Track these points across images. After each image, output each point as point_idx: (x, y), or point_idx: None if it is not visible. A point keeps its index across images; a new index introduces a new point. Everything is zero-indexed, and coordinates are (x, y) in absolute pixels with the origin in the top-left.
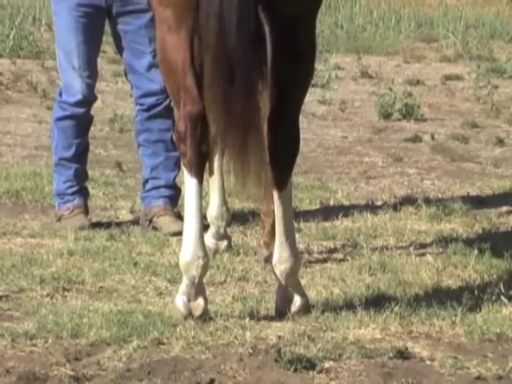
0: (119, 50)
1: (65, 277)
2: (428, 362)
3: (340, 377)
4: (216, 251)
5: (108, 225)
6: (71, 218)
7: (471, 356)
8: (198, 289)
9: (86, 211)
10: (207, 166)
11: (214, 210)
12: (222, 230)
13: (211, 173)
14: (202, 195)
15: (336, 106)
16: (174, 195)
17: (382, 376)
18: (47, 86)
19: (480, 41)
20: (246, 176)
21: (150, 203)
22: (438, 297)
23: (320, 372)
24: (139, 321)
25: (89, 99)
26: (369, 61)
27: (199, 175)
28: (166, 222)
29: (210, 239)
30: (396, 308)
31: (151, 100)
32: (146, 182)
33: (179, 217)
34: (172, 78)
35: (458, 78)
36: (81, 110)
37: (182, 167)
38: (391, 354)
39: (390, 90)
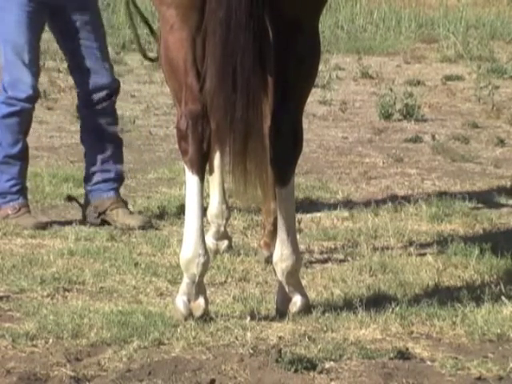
0: (63, 46)
1: (65, 277)
2: (429, 363)
3: (341, 377)
4: (216, 251)
5: (108, 225)
6: (19, 217)
7: (472, 356)
8: (198, 289)
9: (29, 209)
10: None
11: (214, 209)
12: (222, 229)
13: (211, 171)
14: (203, 193)
15: (336, 107)
16: (120, 186)
17: (383, 376)
18: (47, 86)
19: (480, 41)
20: (247, 179)
21: (101, 196)
22: (438, 297)
23: (321, 372)
24: (140, 321)
25: (37, 94)
26: (369, 61)
27: (200, 173)
28: (121, 216)
29: (210, 239)
30: (396, 308)
31: (98, 95)
32: (93, 174)
33: (127, 206)
34: (174, 76)
35: (459, 78)
36: (30, 106)
37: (183, 165)
38: (392, 355)
39: (391, 90)
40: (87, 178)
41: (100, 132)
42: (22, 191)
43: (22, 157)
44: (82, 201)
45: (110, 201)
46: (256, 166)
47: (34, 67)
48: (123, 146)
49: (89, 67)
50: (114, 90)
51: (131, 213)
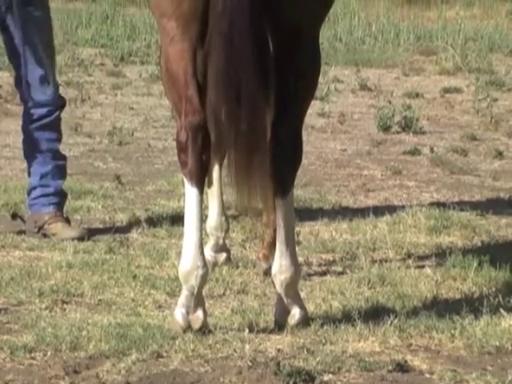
0: (11, 59)
1: (64, 290)
2: (427, 375)
3: None
4: (215, 264)
5: (107, 237)
6: None
7: (470, 369)
8: (197, 301)
9: None
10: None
11: (212, 221)
12: (220, 242)
13: (210, 183)
14: (202, 205)
15: (335, 119)
16: (61, 201)
17: None
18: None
19: (479, 54)
20: (251, 191)
21: (40, 210)
22: (437, 310)
23: None
24: (138, 334)
25: None
26: (368, 73)
27: (200, 185)
28: (60, 229)
29: (208, 251)
30: (395, 321)
31: (42, 111)
32: (33, 188)
33: (69, 221)
34: (174, 88)
35: (457, 90)
36: None
37: (183, 177)
38: (390, 367)
39: (389, 102)
40: (28, 192)
41: (42, 147)
42: None
43: None
44: (24, 216)
45: (49, 215)
46: (261, 178)
47: None
48: (66, 161)
49: (34, 83)
50: (58, 106)
51: (70, 226)
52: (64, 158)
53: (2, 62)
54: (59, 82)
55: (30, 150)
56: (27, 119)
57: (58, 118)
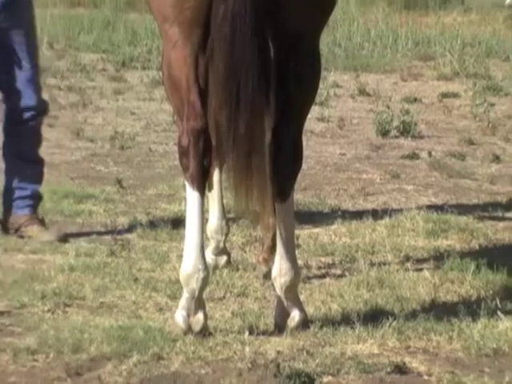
0: None
1: (66, 292)
2: (425, 377)
3: None
4: (215, 267)
5: (109, 241)
6: None
7: (468, 371)
8: (197, 304)
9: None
10: None
11: (213, 224)
12: (221, 245)
13: (210, 187)
14: (203, 208)
15: (334, 124)
16: (37, 204)
17: None
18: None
19: (476, 59)
20: (250, 195)
21: (16, 213)
22: (435, 312)
23: None
24: (139, 336)
25: None
26: (367, 79)
27: (201, 189)
28: (36, 232)
29: (209, 255)
30: (394, 323)
31: (24, 115)
32: (10, 191)
33: (44, 224)
34: (176, 93)
35: (455, 95)
36: None
37: (184, 181)
38: (389, 369)
39: (388, 107)
40: (5, 195)
41: (21, 151)
42: None
43: None
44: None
45: (25, 217)
46: (259, 182)
47: None
48: (44, 166)
49: (17, 87)
50: (40, 111)
51: (46, 228)
52: (42, 161)
53: None
54: (61, 87)
55: (10, 152)
56: (9, 123)
57: (40, 123)
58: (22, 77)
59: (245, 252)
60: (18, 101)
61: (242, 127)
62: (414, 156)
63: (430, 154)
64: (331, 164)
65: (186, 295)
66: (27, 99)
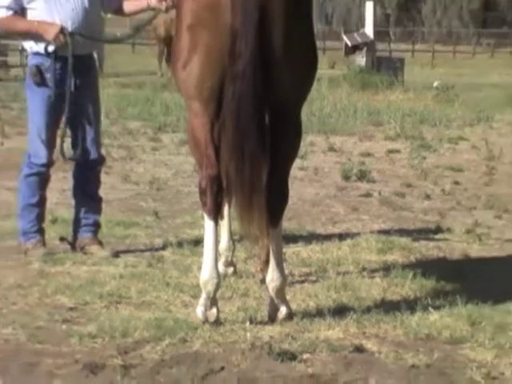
0: (69, 125)
1: (117, 293)
2: (377, 355)
3: (314, 365)
4: (225, 275)
5: (148, 256)
6: (35, 250)
7: (408, 350)
8: (212, 302)
9: (44, 244)
10: None
11: (224, 244)
12: (229, 259)
13: (222, 217)
14: (217, 233)
15: (311, 172)
16: (97, 230)
17: (344, 365)
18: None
19: (413, 125)
20: (251, 223)
21: (82, 236)
22: (384, 308)
23: (300, 362)
24: (170, 325)
25: (50, 162)
26: (334, 139)
27: (215, 219)
28: (96, 250)
29: (220, 266)
30: (354, 316)
31: (90, 164)
32: (78, 220)
33: (102, 244)
34: (197, 149)
35: (397, 151)
36: (45, 170)
37: (203, 213)
38: (351, 349)
39: (349, 159)
40: (74, 223)
41: (86, 191)
42: (39, 231)
43: (39, 205)
44: (70, 239)
45: (88, 239)
46: (258, 214)
47: (50, 143)
48: (102, 202)
49: (85, 145)
50: (100, 162)
51: (103, 247)
52: (101, 199)
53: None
54: (114, 145)
55: (77, 192)
56: (78, 171)
57: (100, 171)
58: (88, 138)
59: (247, 264)
60: (85, 156)
61: (245, 175)
62: (368, 195)
63: (379, 193)
64: (308, 200)
65: (204, 295)
66: (92, 154)
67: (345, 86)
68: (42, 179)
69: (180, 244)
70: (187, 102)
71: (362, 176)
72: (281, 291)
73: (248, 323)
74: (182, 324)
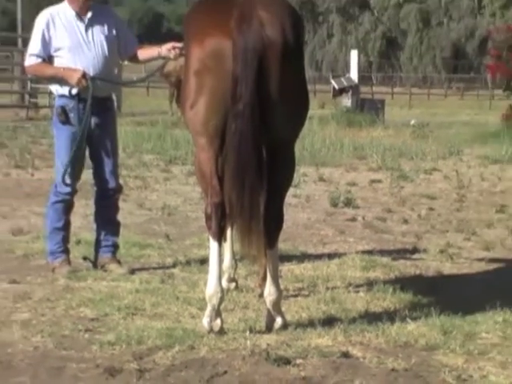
0: (91, 158)
1: (133, 306)
2: (361, 360)
3: (306, 369)
4: (228, 290)
5: (160, 273)
6: (61, 268)
7: (388, 356)
8: (217, 313)
9: (69, 262)
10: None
11: (227, 262)
12: (232, 276)
13: (225, 239)
14: (220, 253)
15: (303, 199)
16: (115, 250)
17: (333, 369)
18: (123, 187)
19: (393, 158)
20: (251, 245)
21: (102, 256)
22: (367, 319)
23: (293, 366)
24: (180, 334)
25: (74, 191)
26: (324, 171)
27: (219, 241)
28: (115, 268)
29: (224, 282)
30: (341, 326)
31: (109, 193)
32: (99, 242)
33: (120, 263)
34: (203, 179)
35: (379, 181)
36: (70, 198)
37: (208, 236)
38: (338, 355)
39: (337, 188)
40: (96, 244)
41: (106, 217)
42: (65, 251)
43: (64, 229)
44: (92, 258)
45: (108, 259)
46: (257, 237)
47: (74, 175)
48: (120, 226)
49: (104, 176)
50: (118, 191)
51: (121, 266)
52: (119, 223)
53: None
54: (130, 176)
55: (98, 217)
56: (98, 199)
57: (118, 198)
58: (107, 169)
59: (247, 280)
60: (105, 185)
61: (245, 202)
62: (353, 219)
63: (363, 218)
64: (301, 224)
65: (209, 308)
66: (111, 183)
67: (333, 123)
68: (66, 206)
69: (188, 262)
70: (194, 138)
71: (348, 203)
72: (277, 304)
73: (248, 332)
74: (190, 333)
